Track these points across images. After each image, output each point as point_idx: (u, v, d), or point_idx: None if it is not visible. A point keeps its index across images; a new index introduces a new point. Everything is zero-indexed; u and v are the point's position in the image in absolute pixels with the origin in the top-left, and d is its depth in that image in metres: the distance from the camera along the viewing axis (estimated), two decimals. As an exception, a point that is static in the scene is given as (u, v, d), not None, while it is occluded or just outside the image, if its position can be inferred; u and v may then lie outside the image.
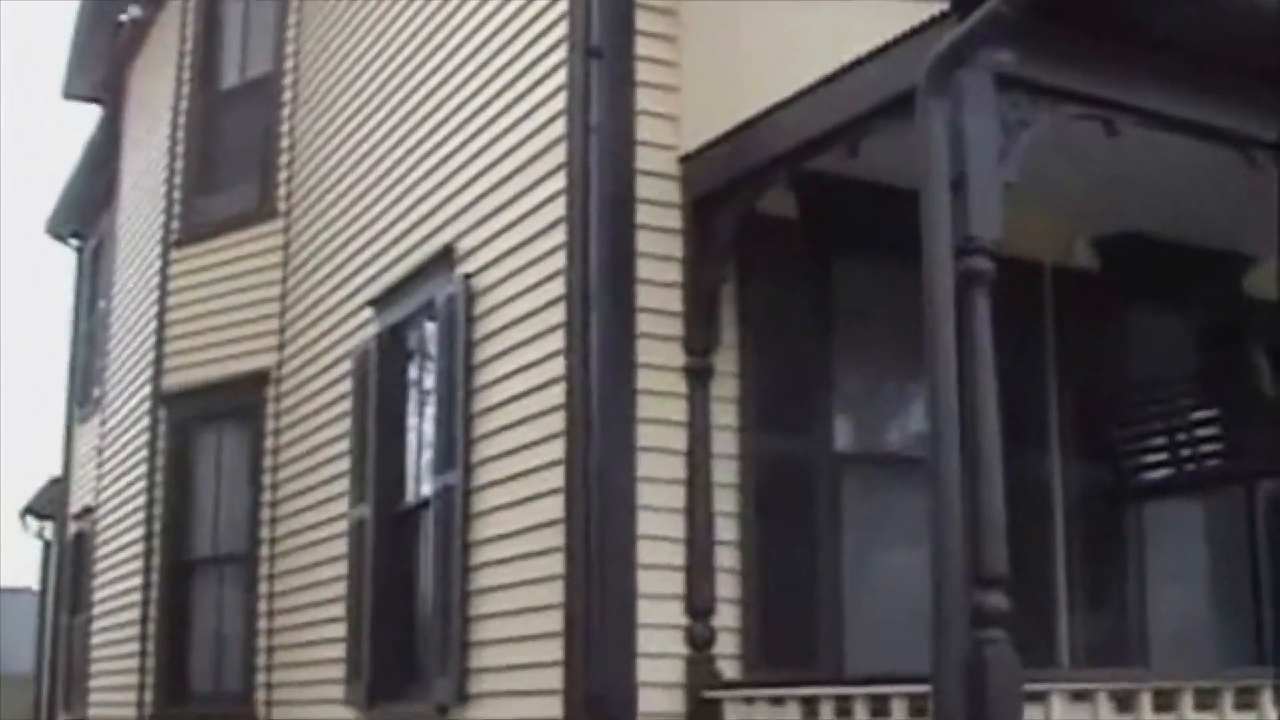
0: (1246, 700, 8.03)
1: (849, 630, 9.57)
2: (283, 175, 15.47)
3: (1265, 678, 8.39)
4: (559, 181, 9.62)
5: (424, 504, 11.38)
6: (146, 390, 16.73)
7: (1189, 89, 8.17)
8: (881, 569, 9.86)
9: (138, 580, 16.30)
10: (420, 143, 12.11)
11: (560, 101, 9.75)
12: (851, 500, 9.80)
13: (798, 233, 9.68)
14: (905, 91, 7.46)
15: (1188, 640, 11.11)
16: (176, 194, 16.79)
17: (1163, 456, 10.71)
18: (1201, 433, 10.52)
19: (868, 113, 8.03)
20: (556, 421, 9.31)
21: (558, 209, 9.59)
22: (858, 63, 8.11)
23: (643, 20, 9.64)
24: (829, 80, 8.31)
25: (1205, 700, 7.85)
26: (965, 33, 7.23)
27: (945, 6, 7.52)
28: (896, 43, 7.86)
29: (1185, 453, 10.57)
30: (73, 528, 23.33)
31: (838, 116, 8.26)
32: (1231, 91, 8.31)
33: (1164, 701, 7.70)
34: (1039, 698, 7.24)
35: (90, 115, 23.31)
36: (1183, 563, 11.33)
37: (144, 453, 16.54)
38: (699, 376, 9.24)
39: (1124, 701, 7.66)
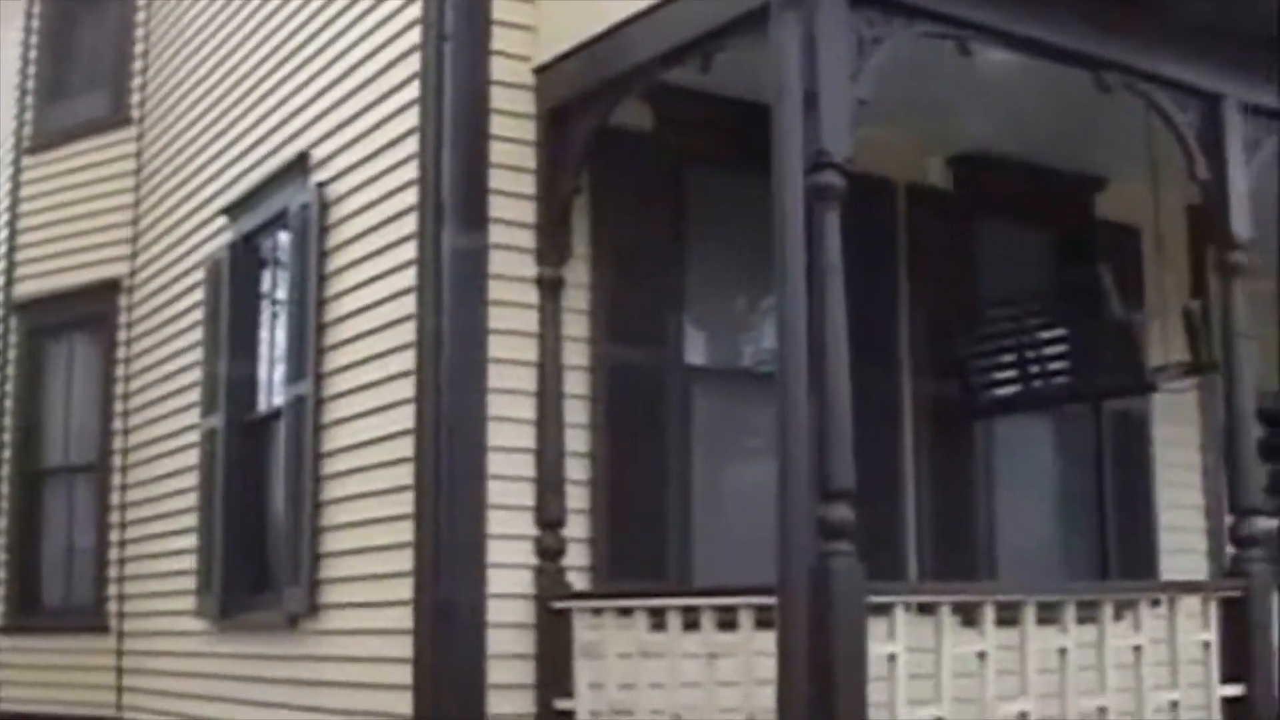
0: (1088, 614, 8.16)
1: (698, 542, 9.61)
2: (136, 82, 15.27)
3: (1106, 592, 8.54)
4: (413, 91, 9.51)
5: (276, 414, 11.30)
6: (-2, 298, 16.50)
7: (1042, 10, 8.22)
8: (732, 482, 9.93)
9: (-12, 489, 16.10)
10: (276, 50, 11.97)
11: (415, 10, 9.62)
12: (702, 413, 9.83)
13: (652, 145, 9.67)
14: (759, 6, 7.45)
15: (1034, 555, 11.28)
16: (29, 100, 16.52)
17: (1012, 374, 10.82)
18: (1050, 351, 10.62)
19: (722, 27, 7.98)
20: (407, 332, 9.25)
21: (411, 118, 9.50)
22: (713, -24, 8.08)
23: (500, -70, 9.56)
24: (685, -8, 8.29)
25: (1047, 614, 7.96)
26: (820, -52, 7.22)
27: (804, -77, 7.50)
28: (751, -43, 7.83)
29: (1033, 370, 10.68)
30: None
31: (692, 30, 8.20)
32: (1084, 13, 8.37)
33: (1007, 615, 7.78)
34: (883, 610, 7.29)
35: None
36: (1030, 479, 11.48)
37: (-6, 361, 16.32)
38: (550, 288, 9.21)
39: (968, 615, 7.76)
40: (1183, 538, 12.06)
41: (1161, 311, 10.88)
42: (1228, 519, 9.16)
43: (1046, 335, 10.62)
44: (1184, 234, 11.68)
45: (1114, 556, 11.63)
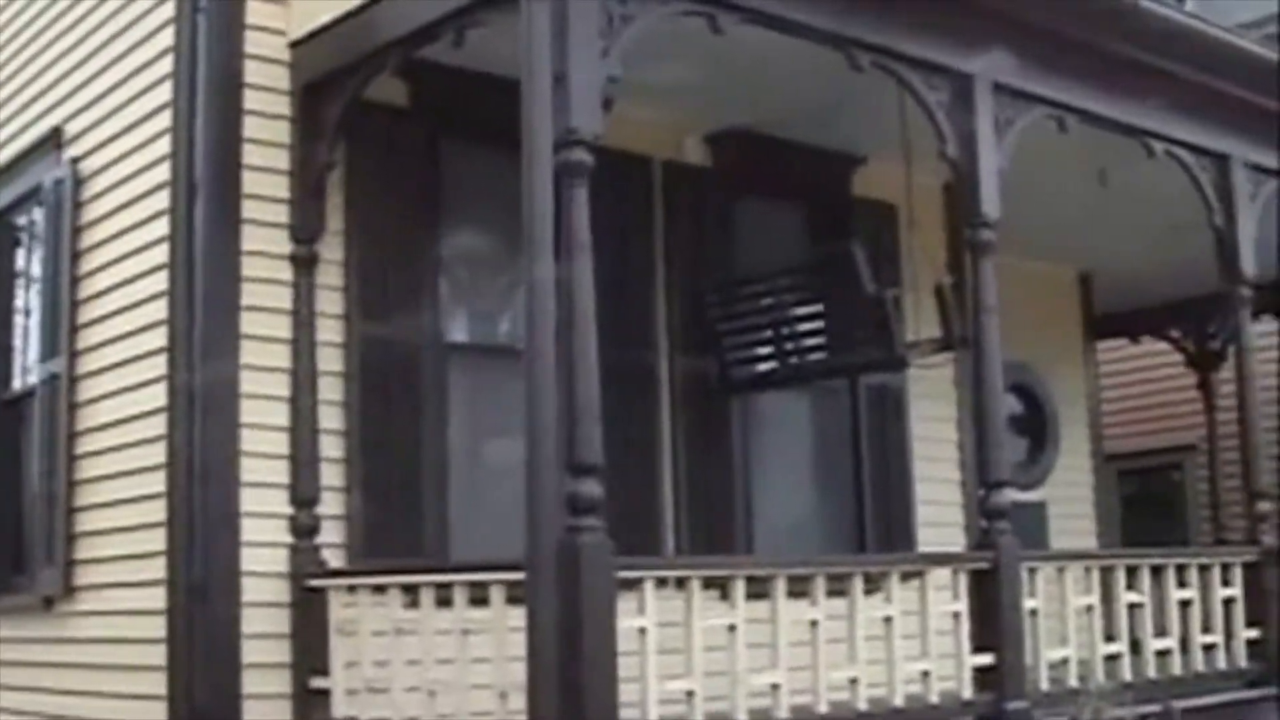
0: (838, 586, 8.28)
1: (455, 519, 9.61)
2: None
3: (857, 565, 8.67)
4: (166, 65, 9.40)
5: (30, 393, 11.08)
6: None
7: (794, -11, 8.32)
8: (489, 458, 9.93)
9: None
10: (30, 23, 11.71)
11: (170, -16, 9.53)
12: (458, 389, 9.83)
13: (407, 121, 9.64)
14: (512, -18, 7.44)
15: (793, 530, 11.42)
16: None
17: (768, 350, 10.92)
18: (805, 327, 10.73)
19: (474, 3, 8.00)
20: (160, 309, 9.14)
21: (164, 93, 9.38)
22: (467, -49, 8.07)
23: (256, -99, 9.46)
24: (438, -32, 8.26)
25: (798, 587, 8.07)
26: (569, -74, 7.24)
27: (558, -99, 7.51)
28: (505, -68, 7.83)
29: (789, 346, 10.79)
30: None
31: (445, 6, 8.20)
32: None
33: (758, 588, 7.89)
34: (633, 585, 7.36)
35: None
36: (788, 454, 11.62)
37: None
38: (304, 264, 9.14)
39: (723, 589, 7.85)
40: (940, 511, 12.29)
41: (916, 288, 11.02)
42: (978, 492, 9.33)
43: (802, 311, 10.73)
44: (940, 212, 11.85)
45: (872, 530, 11.81)
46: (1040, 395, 14.43)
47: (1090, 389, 15.30)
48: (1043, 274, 14.19)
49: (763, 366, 10.99)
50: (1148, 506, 19.66)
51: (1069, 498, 14.53)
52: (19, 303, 11.77)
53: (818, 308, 10.70)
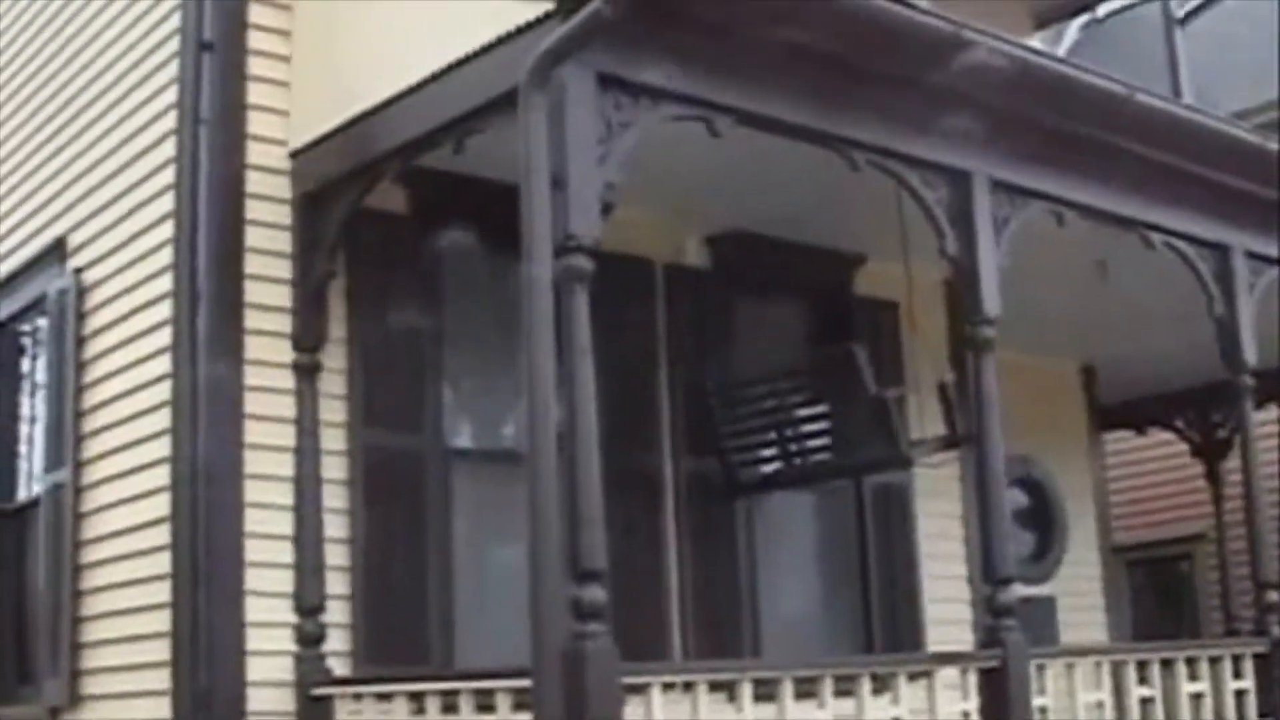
0: (846, 687, 8.23)
1: (460, 626, 9.57)
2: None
3: (864, 665, 8.62)
4: (168, 176, 9.47)
5: (35, 502, 11.09)
6: None
7: (788, 90, 8.36)
8: (492, 564, 9.92)
9: None
10: (34, 134, 11.81)
11: (171, 95, 9.60)
12: (462, 495, 9.81)
13: (407, 228, 9.68)
14: (510, 89, 7.44)
15: (800, 631, 11.38)
16: None
17: (772, 451, 10.92)
18: (809, 428, 10.74)
19: (474, 111, 8.04)
20: (163, 419, 9.17)
21: (167, 203, 9.45)
22: (464, 60, 8.10)
23: (255, 14, 9.54)
24: (436, 78, 8.29)
25: (806, 688, 8.01)
26: (567, 32, 7.26)
27: (550, 6, 7.57)
28: (502, 41, 7.87)
29: (793, 447, 10.79)
30: None
31: (444, 114, 8.26)
32: (830, 93, 8.52)
33: (765, 691, 7.83)
34: (640, 690, 7.31)
35: None
36: (794, 554, 11.60)
37: None
38: (307, 372, 9.17)
39: (730, 692, 7.81)
40: (948, 609, 12.24)
41: (918, 386, 11.03)
42: (984, 589, 9.29)
43: (805, 412, 10.74)
44: (942, 307, 11.87)
45: (879, 630, 11.77)
46: (1047, 488, 14.41)
47: (1097, 480, 15.28)
48: (1046, 367, 14.21)
49: (767, 467, 10.97)
50: (1157, 597, 19.62)
51: (1078, 591, 14.49)
52: (24, 411, 11.80)
53: (821, 408, 10.71)
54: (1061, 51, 19.10)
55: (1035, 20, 17.21)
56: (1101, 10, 19.39)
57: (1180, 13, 17.60)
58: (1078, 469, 14.95)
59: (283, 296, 9.21)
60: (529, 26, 7.70)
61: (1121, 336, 13.72)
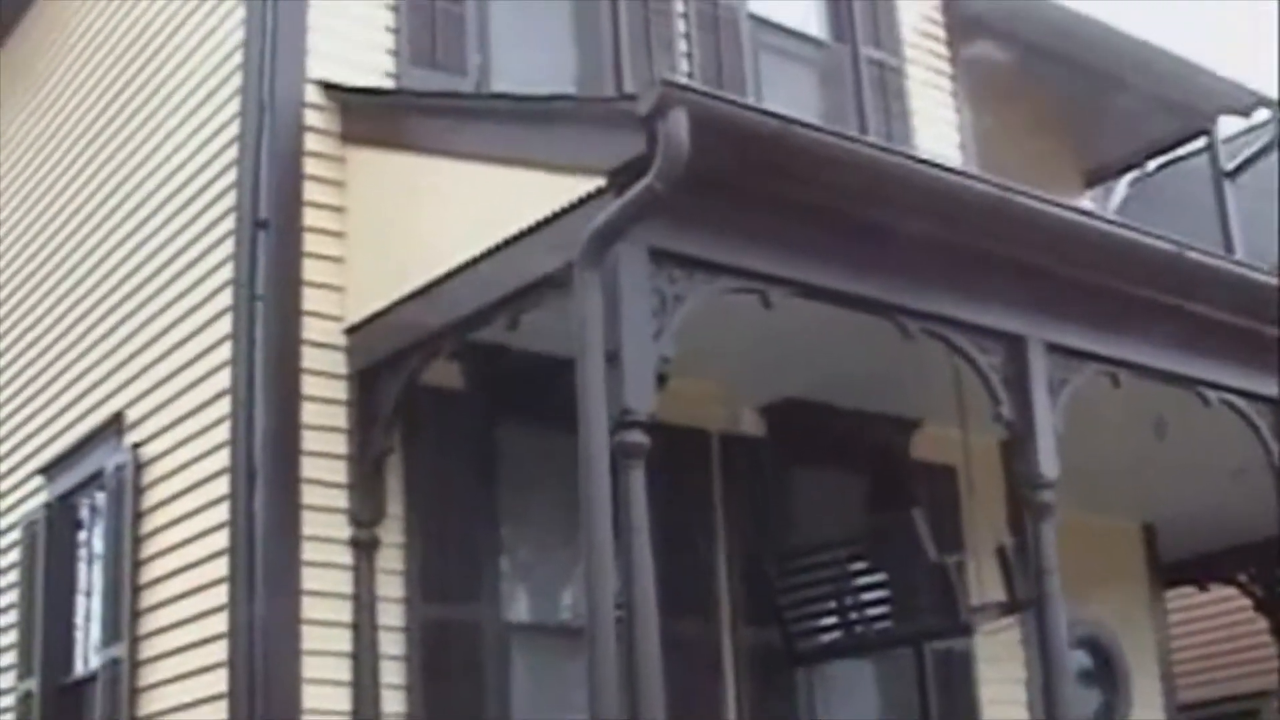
0: None
1: (522, 804, 9.50)
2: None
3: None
4: (225, 352, 9.56)
5: (92, 677, 11.07)
6: None
7: (839, 260, 8.39)
8: (551, 738, 9.84)
9: None
10: (92, 309, 11.93)
11: (228, 272, 9.71)
12: (520, 669, 9.75)
13: (462, 403, 9.70)
14: (564, 265, 7.52)
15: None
16: None
17: (832, 619, 10.82)
18: (869, 596, 10.65)
19: (528, 287, 8.11)
20: (220, 595, 9.17)
21: (223, 380, 9.52)
22: (517, 237, 8.19)
23: (310, 191, 9.67)
24: (490, 254, 8.37)
25: None
26: (620, 208, 7.33)
27: (602, 182, 7.63)
28: (555, 218, 7.96)
29: (853, 615, 10.70)
30: None
31: (499, 290, 8.32)
32: (882, 261, 8.54)
33: None
34: None
35: None
36: (856, 723, 11.47)
37: None
38: (364, 548, 9.18)
39: None
40: (1016, 774, 12.08)
41: (977, 551, 10.95)
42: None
43: (865, 580, 10.65)
44: (999, 471, 11.80)
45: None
46: (1110, 648, 14.24)
47: (1160, 639, 15.08)
48: (1106, 526, 14.07)
49: (827, 636, 10.86)
50: (1223, 756, 19.32)
51: (1144, 751, 14.32)
52: (81, 584, 11.83)
53: (881, 575, 10.63)
54: (1111, 208, 19.11)
55: (1085, 179, 17.34)
56: (1150, 164, 19.38)
57: (1229, 166, 17.51)
58: (1140, 627, 14.78)
59: (339, 472, 9.24)
60: (581, 202, 7.77)
61: (1181, 493, 13.58)
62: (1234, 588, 17.02)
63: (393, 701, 9.14)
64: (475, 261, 8.48)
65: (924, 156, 9.66)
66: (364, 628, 9.10)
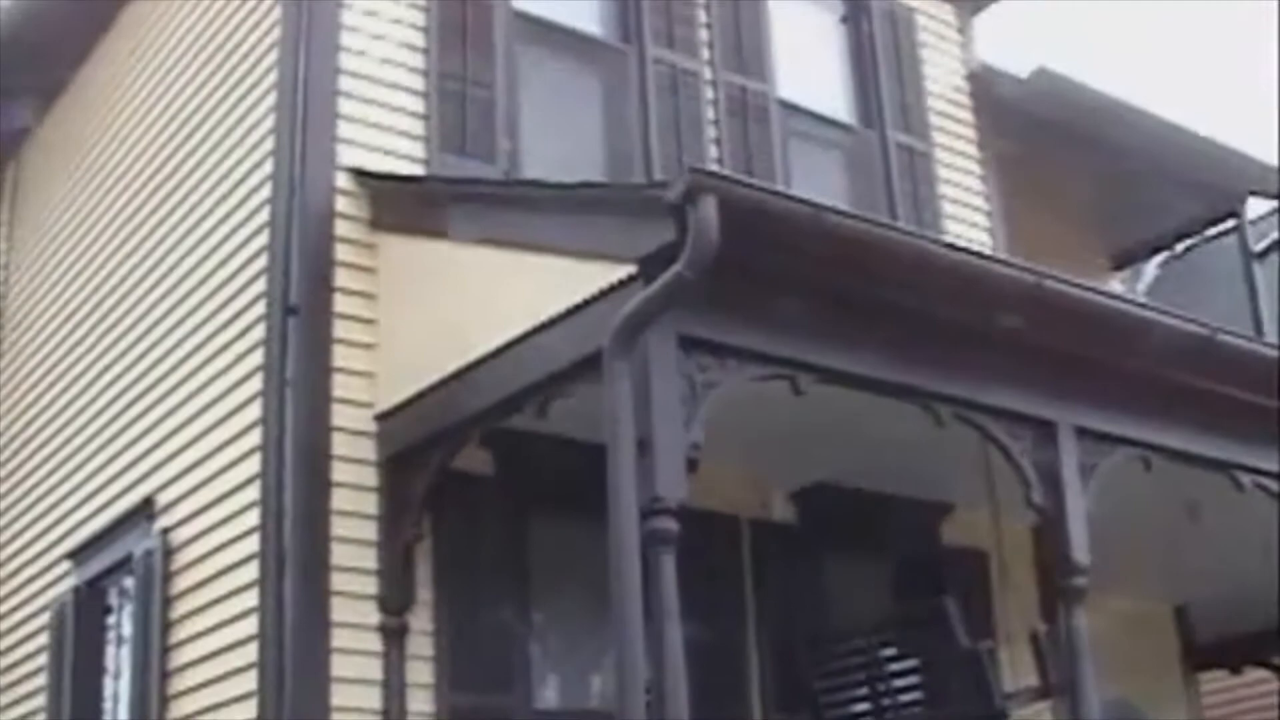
0: None
1: None
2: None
3: None
4: (255, 438, 9.57)
5: (120, 765, 11.07)
6: None
7: (871, 347, 8.38)
8: (583, 826, 9.79)
9: None
10: (123, 393, 11.96)
11: (258, 357, 9.73)
12: (551, 757, 9.72)
13: (492, 489, 9.70)
14: (594, 353, 7.53)
15: None
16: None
17: (864, 706, 10.73)
18: (901, 682, 10.56)
19: (558, 374, 8.12)
20: (250, 681, 9.13)
21: (253, 465, 9.52)
22: (548, 324, 8.21)
23: (341, 277, 9.71)
24: (521, 341, 8.39)
25: None
26: (650, 297, 7.35)
27: (632, 270, 7.64)
28: (585, 305, 7.98)
29: (886, 702, 10.61)
30: None
31: (529, 377, 8.33)
32: (913, 348, 8.53)
33: None
34: None
35: None
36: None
37: None
38: (394, 635, 9.16)
39: None
40: None
41: (1010, 636, 10.90)
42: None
43: (896, 666, 10.58)
44: (1031, 555, 11.75)
45: None
46: (1144, 733, 14.15)
47: (1194, 722, 15.02)
48: (1138, 609, 14.00)
49: (860, 723, 10.82)
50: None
51: (1179, 836, 14.21)
52: (110, 668, 11.80)
53: (912, 661, 10.56)
54: (1141, 289, 19.09)
55: (1113, 262, 17.33)
56: (1179, 245, 19.35)
57: (1258, 246, 17.50)
58: (1174, 710, 14.67)
59: (369, 558, 9.23)
60: (611, 290, 7.78)
61: (1214, 575, 13.50)
62: (1268, 670, 16.91)
63: (424, 790, 9.12)
64: (505, 348, 8.50)
65: (955, 242, 9.67)
66: (393, 714, 9.06)
